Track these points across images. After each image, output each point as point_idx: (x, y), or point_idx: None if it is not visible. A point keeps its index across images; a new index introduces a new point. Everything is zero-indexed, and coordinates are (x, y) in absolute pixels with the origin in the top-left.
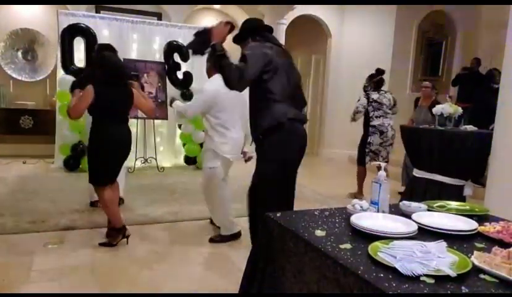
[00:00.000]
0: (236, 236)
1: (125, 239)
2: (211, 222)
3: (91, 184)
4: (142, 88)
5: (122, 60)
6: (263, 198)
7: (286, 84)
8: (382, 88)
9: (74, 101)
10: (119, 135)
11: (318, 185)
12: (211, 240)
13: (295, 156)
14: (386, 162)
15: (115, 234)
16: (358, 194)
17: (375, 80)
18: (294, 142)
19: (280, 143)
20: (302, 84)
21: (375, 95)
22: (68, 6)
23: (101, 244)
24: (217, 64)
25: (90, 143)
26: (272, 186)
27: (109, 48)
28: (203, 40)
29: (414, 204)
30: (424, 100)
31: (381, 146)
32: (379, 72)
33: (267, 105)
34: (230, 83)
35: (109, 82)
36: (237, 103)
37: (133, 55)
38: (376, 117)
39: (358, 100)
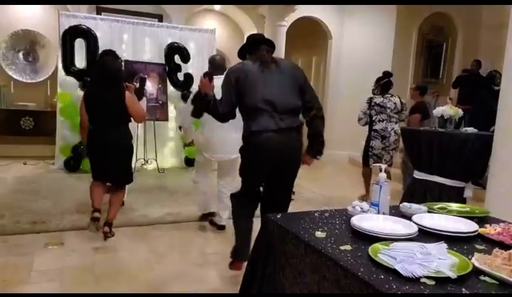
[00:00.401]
0: (208, 215)
1: (93, 223)
2: (211, 223)
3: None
4: (140, 94)
5: (122, 64)
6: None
7: (254, 98)
8: (389, 92)
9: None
10: (101, 137)
11: (318, 186)
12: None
13: (263, 168)
14: (390, 165)
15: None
16: (366, 196)
17: (381, 83)
18: (258, 154)
19: (246, 156)
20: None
21: (378, 99)
22: (69, 8)
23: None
24: (207, 109)
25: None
26: (245, 195)
27: (110, 54)
28: (201, 99)
29: (414, 206)
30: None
31: (384, 151)
32: (386, 74)
33: (244, 117)
34: (218, 119)
35: (101, 84)
36: None
37: (134, 57)
38: (379, 121)
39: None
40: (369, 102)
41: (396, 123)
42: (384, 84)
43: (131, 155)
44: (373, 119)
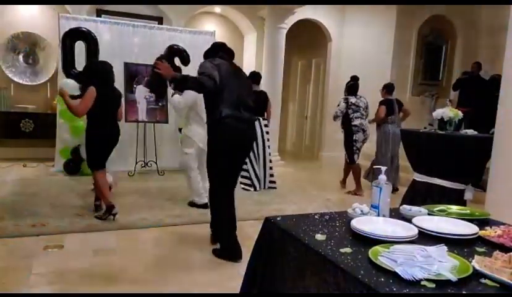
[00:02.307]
0: (203, 206)
1: (113, 217)
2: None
3: (91, 169)
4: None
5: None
6: (208, 172)
7: (228, 90)
8: (358, 94)
9: (71, 104)
10: (113, 129)
11: (318, 189)
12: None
13: (230, 146)
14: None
15: (106, 211)
16: (358, 191)
17: (348, 85)
18: (227, 134)
19: (216, 134)
20: (251, 91)
21: (353, 99)
22: (69, 10)
23: (96, 217)
24: (187, 83)
25: (92, 136)
26: (213, 165)
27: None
28: (160, 83)
29: (415, 208)
30: None
31: (362, 143)
32: (352, 78)
33: (213, 106)
34: (204, 86)
35: (110, 84)
36: (196, 105)
37: (134, 59)
38: (356, 118)
39: (338, 105)
40: (346, 102)
41: (365, 119)
42: (350, 86)
43: None
44: (351, 116)
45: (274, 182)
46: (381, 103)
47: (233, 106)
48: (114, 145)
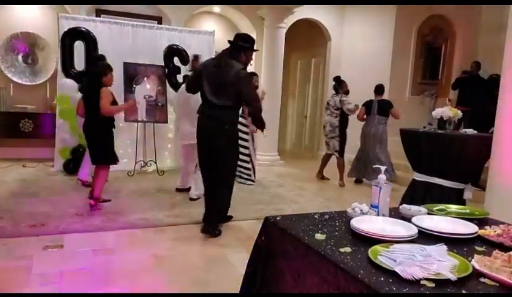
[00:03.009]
0: (184, 190)
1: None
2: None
3: None
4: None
5: (105, 65)
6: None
7: (203, 90)
8: (339, 93)
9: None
10: (84, 125)
11: (317, 188)
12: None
13: (199, 138)
14: (336, 151)
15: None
16: (318, 176)
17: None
18: (197, 127)
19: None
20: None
21: (329, 98)
22: (68, 10)
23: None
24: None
25: None
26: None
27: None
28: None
29: (414, 207)
30: None
31: (327, 138)
32: (333, 79)
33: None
34: (186, 86)
35: (87, 84)
36: (185, 104)
37: (134, 59)
38: (327, 115)
39: None
40: (327, 101)
41: (336, 117)
42: (333, 87)
43: (100, 142)
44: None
45: (250, 179)
46: (362, 105)
47: (203, 104)
48: (87, 139)
